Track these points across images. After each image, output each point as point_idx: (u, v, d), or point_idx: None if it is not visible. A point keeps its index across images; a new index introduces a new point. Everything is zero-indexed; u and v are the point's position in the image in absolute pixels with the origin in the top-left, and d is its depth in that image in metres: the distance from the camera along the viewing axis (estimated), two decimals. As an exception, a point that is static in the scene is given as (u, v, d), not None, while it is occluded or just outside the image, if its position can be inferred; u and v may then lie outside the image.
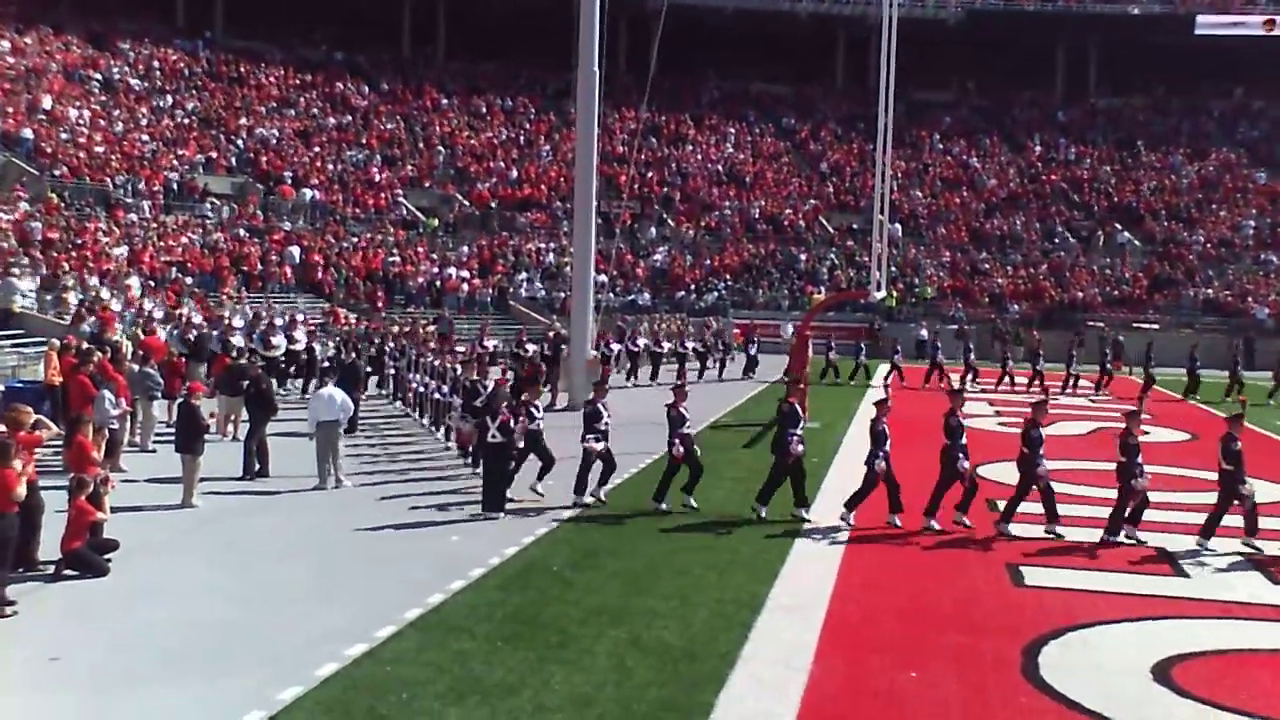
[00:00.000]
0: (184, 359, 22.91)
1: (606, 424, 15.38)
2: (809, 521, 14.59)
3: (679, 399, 15.46)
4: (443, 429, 20.41)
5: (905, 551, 13.51)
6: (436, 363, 21.33)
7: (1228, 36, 58.84)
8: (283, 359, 27.06)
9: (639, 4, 52.20)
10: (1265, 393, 32.05)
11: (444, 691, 8.59)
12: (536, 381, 18.42)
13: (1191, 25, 59.05)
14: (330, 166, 49.41)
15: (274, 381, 23.06)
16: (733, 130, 60.78)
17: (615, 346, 32.71)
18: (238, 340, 25.56)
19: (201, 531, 13.63)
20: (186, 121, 48.12)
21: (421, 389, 22.42)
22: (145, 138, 44.74)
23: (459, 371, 19.10)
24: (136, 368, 19.29)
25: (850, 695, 8.99)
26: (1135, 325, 45.06)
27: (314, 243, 42.34)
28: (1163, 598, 11.93)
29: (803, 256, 51.22)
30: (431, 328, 32.34)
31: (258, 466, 16.78)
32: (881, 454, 14.47)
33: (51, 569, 11.38)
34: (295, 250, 40.71)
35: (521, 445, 15.48)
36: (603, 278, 35.97)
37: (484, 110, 58.23)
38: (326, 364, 25.40)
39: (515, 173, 53.39)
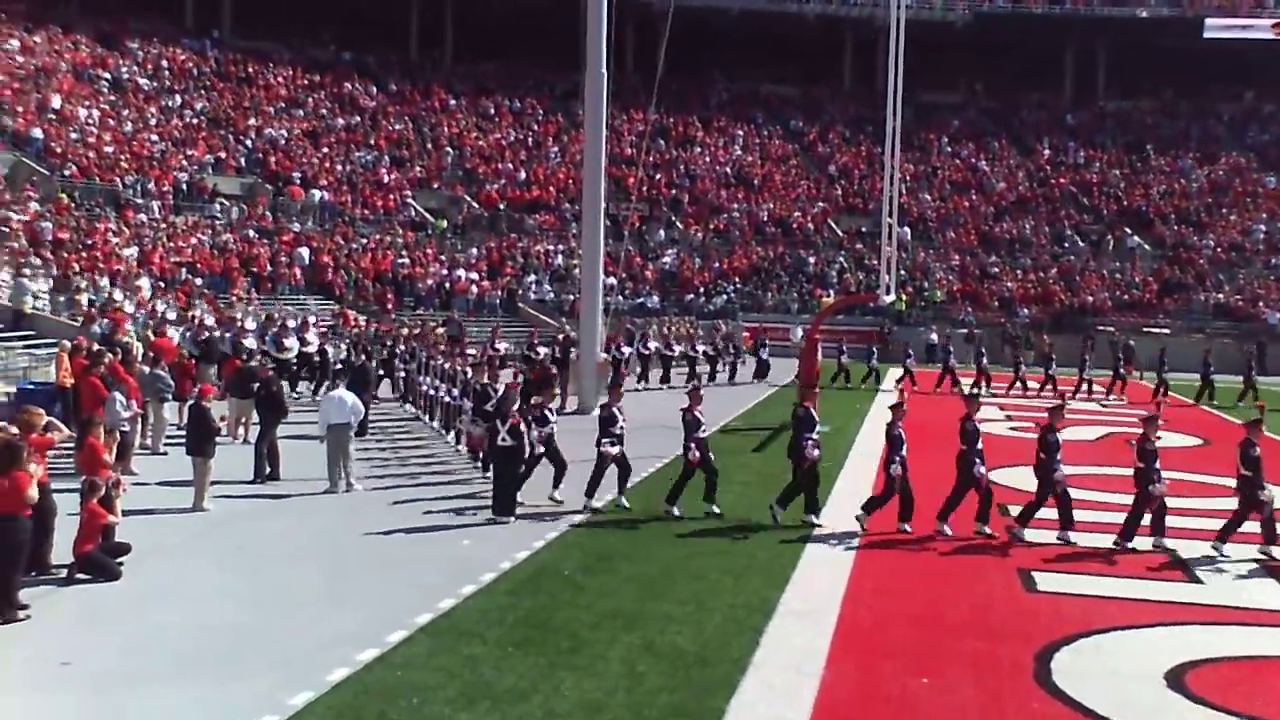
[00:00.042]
0: (194, 361, 22.95)
1: (622, 428, 15.36)
2: (820, 527, 14.56)
3: (694, 403, 15.43)
4: (453, 432, 20.41)
5: (917, 556, 13.47)
6: (447, 365, 21.32)
7: (1237, 40, 58.68)
8: (294, 361, 27.11)
9: (646, 5, 52.17)
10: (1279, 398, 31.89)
11: (454, 697, 8.58)
12: (549, 384, 18.41)
13: (1200, 28, 58.94)
14: (339, 167, 49.48)
15: (285, 384, 23.10)
16: (741, 132, 60.78)
17: (626, 350, 32.69)
18: (250, 342, 25.63)
19: (213, 535, 13.65)
20: (195, 121, 48.22)
21: (432, 392, 22.41)
22: (154, 138, 44.82)
23: (469, 374, 19.10)
24: (147, 370, 19.34)
25: (862, 701, 8.96)
26: (1145, 330, 44.94)
27: (323, 244, 42.40)
28: (1176, 604, 11.89)
29: (811, 259, 51.18)
30: (441, 330, 32.34)
31: (268, 469, 16.80)
32: (898, 458, 14.44)
33: (64, 572, 11.41)
34: (304, 251, 40.79)
35: (542, 449, 15.45)
36: (611, 280, 35.97)
37: (492, 111, 58.28)
38: (339, 366, 25.45)
39: (524, 174, 53.43)
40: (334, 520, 14.46)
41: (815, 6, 62.19)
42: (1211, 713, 8.91)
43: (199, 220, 40.53)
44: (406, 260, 43.60)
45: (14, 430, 11.46)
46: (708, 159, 58.25)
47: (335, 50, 58.45)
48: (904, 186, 47.83)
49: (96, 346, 20.28)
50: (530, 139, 57.01)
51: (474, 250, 47.10)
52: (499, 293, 44.16)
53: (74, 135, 41.54)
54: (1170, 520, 14.56)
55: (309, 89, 54.80)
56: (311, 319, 30.50)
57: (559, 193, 52.35)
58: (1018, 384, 33.24)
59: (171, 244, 36.66)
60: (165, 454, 18.47)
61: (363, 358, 25.66)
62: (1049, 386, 32.67)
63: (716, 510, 14.99)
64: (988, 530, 14.28)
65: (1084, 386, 32.75)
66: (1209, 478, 18.65)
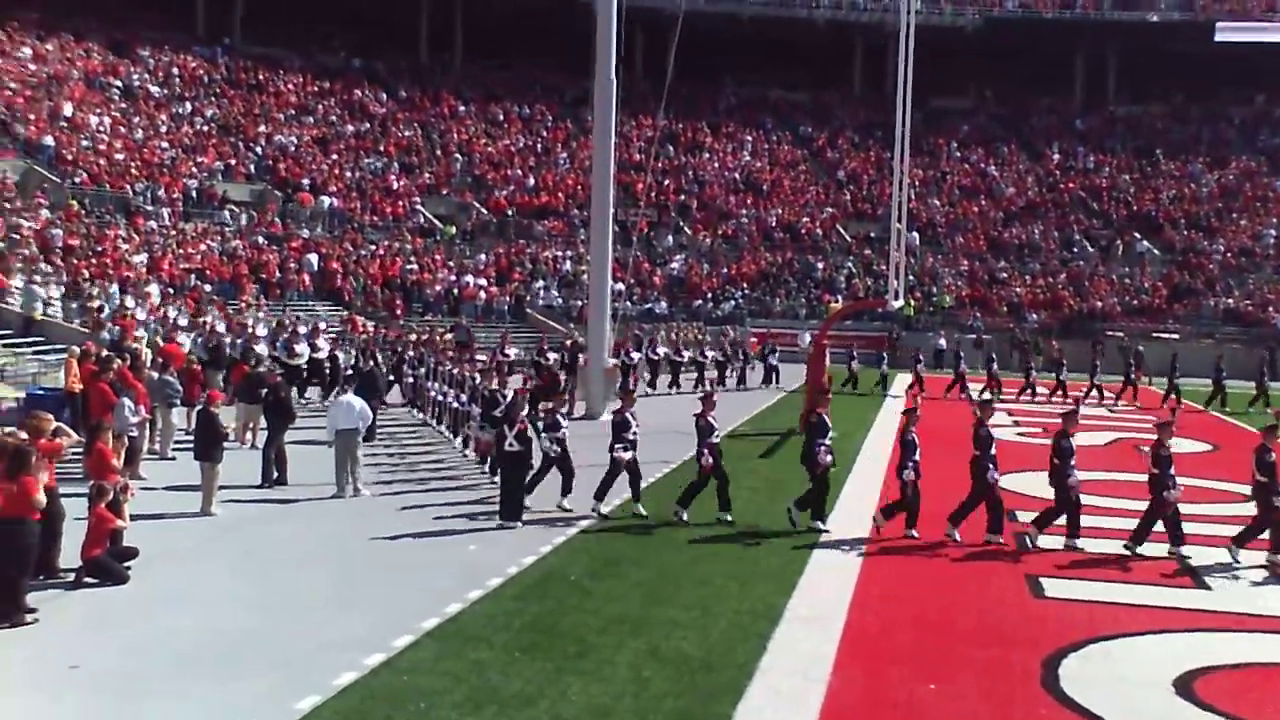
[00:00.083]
0: (202, 367, 23.01)
1: (635, 433, 15.35)
2: (827, 533, 14.54)
3: (707, 408, 15.42)
4: (460, 438, 20.43)
5: (924, 562, 13.44)
6: (455, 371, 21.34)
7: (1248, 44, 58.52)
8: (305, 367, 27.18)
9: (656, 11, 52.26)
10: None
11: (461, 701, 8.59)
12: (557, 389, 18.42)
13: (1211, 33, 58.77)
14: (348, 174, 49.60)
15: (294, 390, 23.14)
16: (750, 138, 60.78)
17: (635, 355, 32.70)
18: (262, 348, 25.71)
19: (220, 539, 13.67)
20: (205, 129, 48.37)
21: (440, 398, 22.43)
22: (165, 145, 45.01)
23: (478, 380, 19.12)
24: (156, 375, 19.38)
25: (869, 707, 8.94)
26: (1155, 335, 44.83)
27: (332, 250, 42.50)
28: (1185, 610, 11.85)
29: (820, 265, 51.14)
30: (449, 336, 32.40)
31: (276, 474, 16.83)
32: (911, 463, 14.42)
33: (72, 576, 11.44)
34: (314, 258, 40.90)
35: (558, 452, 15.44)
36: (620, 286, 35.97)
37: (501, 118, 58.37)
38: (349, 372, 25.50)
39: (532, 180, 53.49)
40: (341, 525, 14.47)
41: (825, 12, 62.18)
42: None
43: (208, 227, 40.66)
44: (415, 266, 43.69)
45: (23, 435, 11.50)
46: (716, 164, 58.27)
47: (345, 57, 58.61)
48: (913, 192, 47.75)
49: (105, 352, 20.33)
50: (539, 145, 57.10)
51: (483, 256, 47.17)
52: (507, 298, 44.23)
53: (85, 142, 41.73)
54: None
55: (319, 96, 54.95)
56: (322, 325, 30.57)
57: (568, 199, 52.42)
58: (1028, 390, 33.14)
59: (181, 250, 36.79)
60: (173, 459, 18.52)
61: (371, 363, 25.68)
62: (1060, 393, 32.58)
63: (729, 518, 14.96)
64: (1000, 539, 14.23)
65: (1096, 393, 32.64)
66: (1218, 483, 18.58)
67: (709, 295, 48.31)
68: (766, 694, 9.00)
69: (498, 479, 15.72)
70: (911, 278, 44.79)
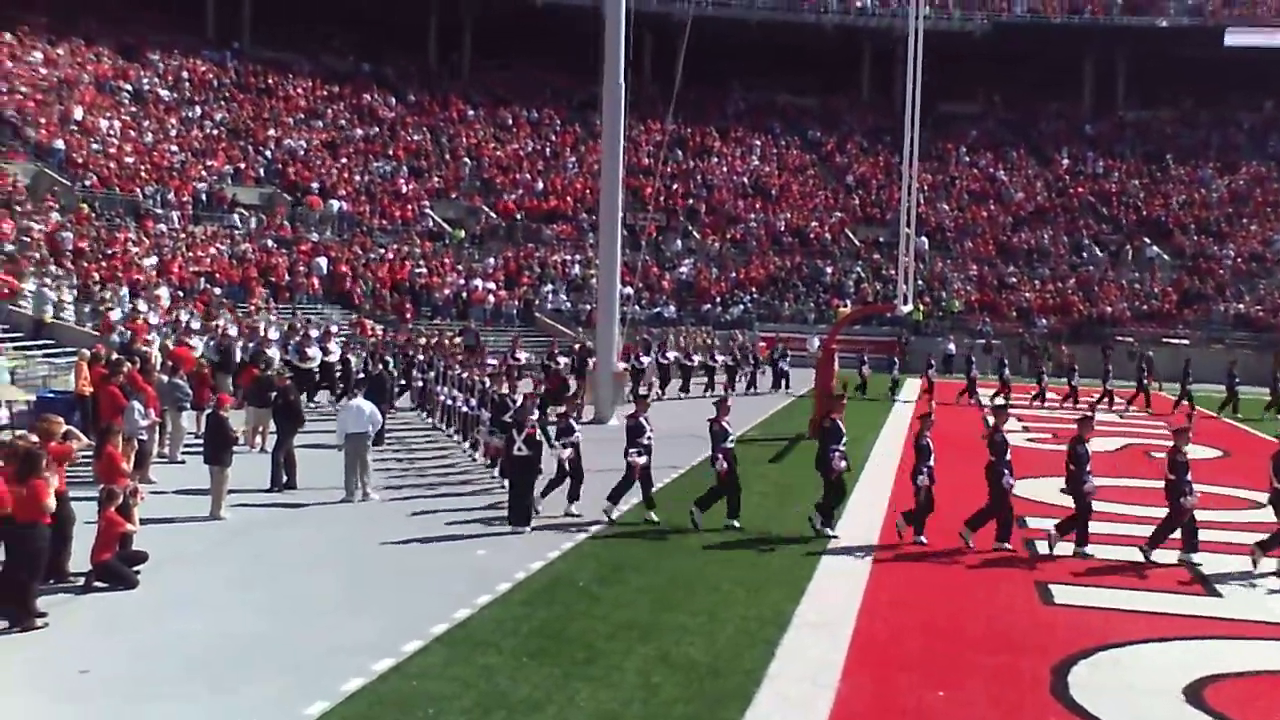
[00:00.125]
0: (212, 370, 23.06)
1: (649, 438, 15.35)
2: (836, 539, 14.52)
3: (721, 414, 15.39)
4: (469, 441, 20.44)
5: (933, 568, 13.42)
6: (465, 375, 21.35)
7: (1258, 49, 58.37)
8: (317, 371, 27.26)
9: (665, 16, 52.35)
10: None
11: (470, 707, 8.59)
12: (565, 393, 18.41)
13: (1220, 38, 58.63)
14: (357, 178, 49.65)
15: (304, 393, 23.20)
16: (758, 142, 60.77)
17: (645, 359, 32.73)
18: (274, 352, 25.78)
19: (230, 543, 13.69)
20: (215, 132, 48.46)
21: (450, 402, 22.44)
22: (174, 148, 45.09)
23: (488, 384, 19.13)
24: (166, 379, 19.42)
25: (877, 714, 8.94)
26: (1164, 340, 44.74)
27: (341, 254, 42.56)
28: (1195, 617, 11.82)
29: (828, 269, 51.09)
30: (458, 340, 32.43)
31: (285, 478, 16.85)
32: (926, 469, 14.40)
33: (81, 580, 11.46)
34: (323, 261, 40.96)
35: (573, 457, 15.43)
36: (628, 290, 35.99)
37: (510, 122, 58.41)
38: (360, 376, 25.58)
39: (541, 184, 53.52)
40: (350, 529, 14.49)
41: (833, 17, 62.16)
42: (1230, 727, 8.87)
43: (218, 230, 40.74)
44: (424, 270, 43.73)
45: (33, 439, 11.53)
46: (725, 169, 58.25)
47: (354, 61, 58.70)
48: (922, 196, 47.72)
49: (115, 355, 20.38)
50: (548, 149, 57.13)
51: (491, 260, 47.20)
52: (516, 302, 44.25)
53: (95, 146, 41.84)
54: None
55: (328, 100, 55.04)
56: (333, 329, 30.65)
57: (576, 203, 52.44)
58: (1041, 396, 33.06)
59: (190, 254, 36.85)
60: (183, 463, 18.56)
61: (380, 367, 25.73)
62: (1072, 399, 32.52)
63: (737, 525, 14.95)
64: (1008, 546, 14.21)
65: (1106, 399, 32.56)
66: (1230, 489, 18.52)
67: (717, 300, 48.29)
68: (775, 700, 8.99)
69: (507, 484, 15.73)
70: (920, 282, 44.73)
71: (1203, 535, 14.25)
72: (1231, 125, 62.03)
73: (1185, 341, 44.40)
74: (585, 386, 27.44)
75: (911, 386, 36.27)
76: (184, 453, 18.99)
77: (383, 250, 44.52)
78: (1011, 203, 57.11)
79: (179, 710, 8.54)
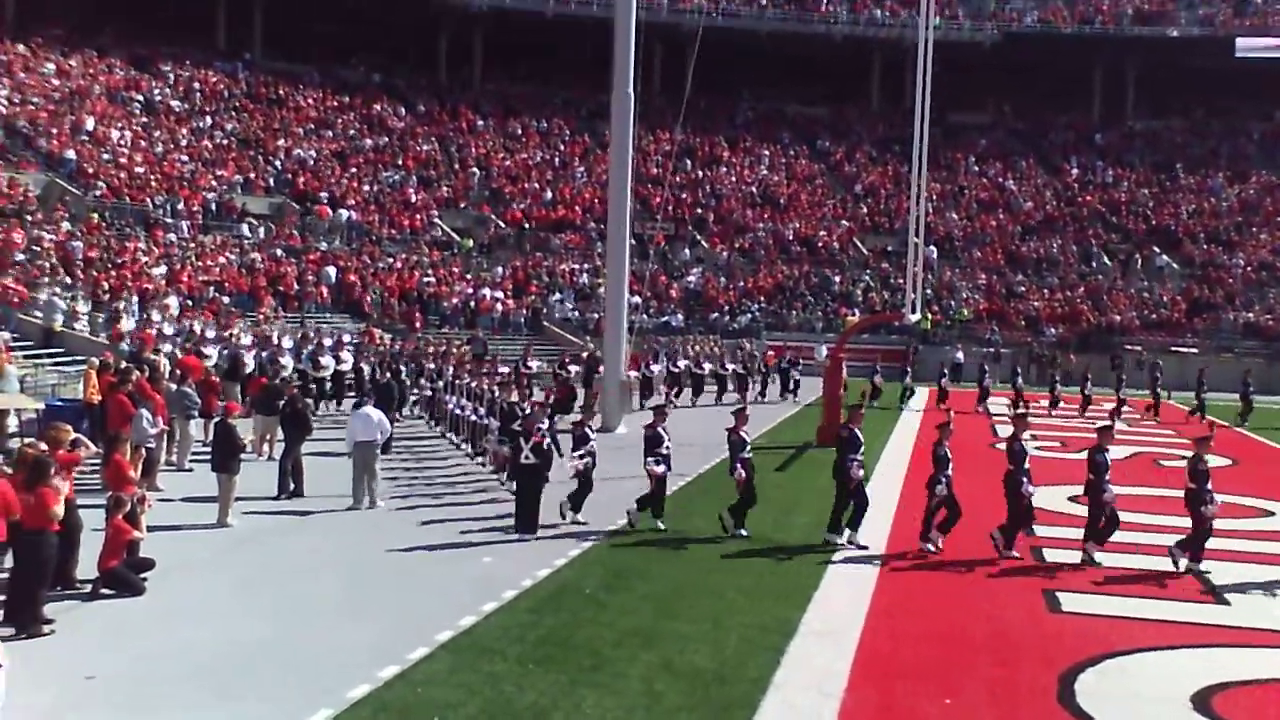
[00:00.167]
0: (220, 378, 23.14)
1: (668, 448, 15.35)
2: (842, 547, 14.49)
3: (740, 423, 15.39)
4: (477, 450, 20.43)
5: (939, 577, 13.39)
6: (473, 384, 21.35)
7: (1268, 59, 58.24)
8: (329, 379, 27.37)
9: (674, 26, 52.52)
10: None
11: (475, 714, 8.60)
12: (573, 401, 18.41)
13: (1231, 48, 58.49)
14: (367, 187, 49.77)
15: (311, 401, 23.24)
16: (767, 152, 60.77)
17: (655, 368, 32.77)
18: (287, 360, 25.88)
19: (237, 551, 13.71)
20: (225, 142, 48.64)
21: (459, 411, 22.45)
22: (185, 158, 45.26)
23: (496, 393, 19.13)
24: (174, 387, 19.47)
25: (884, 722, 8.92)
26: (1173, 349, 44.64)
27: (350, 263, 42.66)
28: (1203, 625, 11.76)
29: (837, 279, 51.05)
30: (466, 348, 32.48)
31: (292, 486, 16.88)
32: (944, 478, 14.37)
33: (89, 588, 11.49)
34: (331, 270, 41.05)
35: (592, 465, 15.42)
36: (636, 299, 36.03)
37: (519, 132, 58.54)
38: (369, 384, 25.64)
39: (550, 194, 53.59)
40: (357, 537, 14.50)
41: (843, 27, 62.17)
42: (1238, 736, 8.83)
43: (227, 239, 40.87)
44: (433, 279, 43.80)
45: (42, 446, 11.57)
46: (734, 178, 58.27)
47: (365, 72, 58.89)
48: (931, 206, 47.63)
49: (124, 364, 20.45)
50: (557, 159, 57.23)
51: (500, 269, 47.26)
52: (524, 311, 44.30)
53: (106, 156, 42.02)
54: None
55: (338, 110, 55.23)
56: (345, 338, 30.74)
57: (584, 212, 52.48)
58: (1055, 404, 32.98)
59: (200, 263, 36.97)
60: (191, 470, 18.60)
61: (388, 375, 25.79)
62: (1087, 408, 32.46)
63: (745, 533, 14.94)
64: (1015, 554, 14.17)
65: (1119, 407, 32.46)
66: (1241, 498, 18.44)
67: (725, 308, 48.28)
68: (781, 708, 8.97)
69: (515, 487, 15.73)
70: (929, 291, 44.68)
71: (1212, 544, 14.18)
72: (1242, 135, 61.91)
73: (1194, 351, 44.31)
74: (595, 395, 27.45)
75: (922, 396, 36.21)
76: (192, 460, 19.04)
77: (391, 259, 44.61)
78: (1020, 212, 57.04)
79: (185, 717, 8.55)
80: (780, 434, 26.87)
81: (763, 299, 49.45)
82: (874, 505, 15.23)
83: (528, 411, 16.39)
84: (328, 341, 28.91)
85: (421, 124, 56.83)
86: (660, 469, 15.19)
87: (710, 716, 8.74)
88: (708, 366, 35.15)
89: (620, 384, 26.43)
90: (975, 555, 14.11)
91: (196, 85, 51.53)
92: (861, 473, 14.82)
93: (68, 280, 30.68)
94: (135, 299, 30.77)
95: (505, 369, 27.15)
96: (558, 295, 46.31)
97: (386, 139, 54.45)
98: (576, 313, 45.40)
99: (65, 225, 34.91)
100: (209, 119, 49.66)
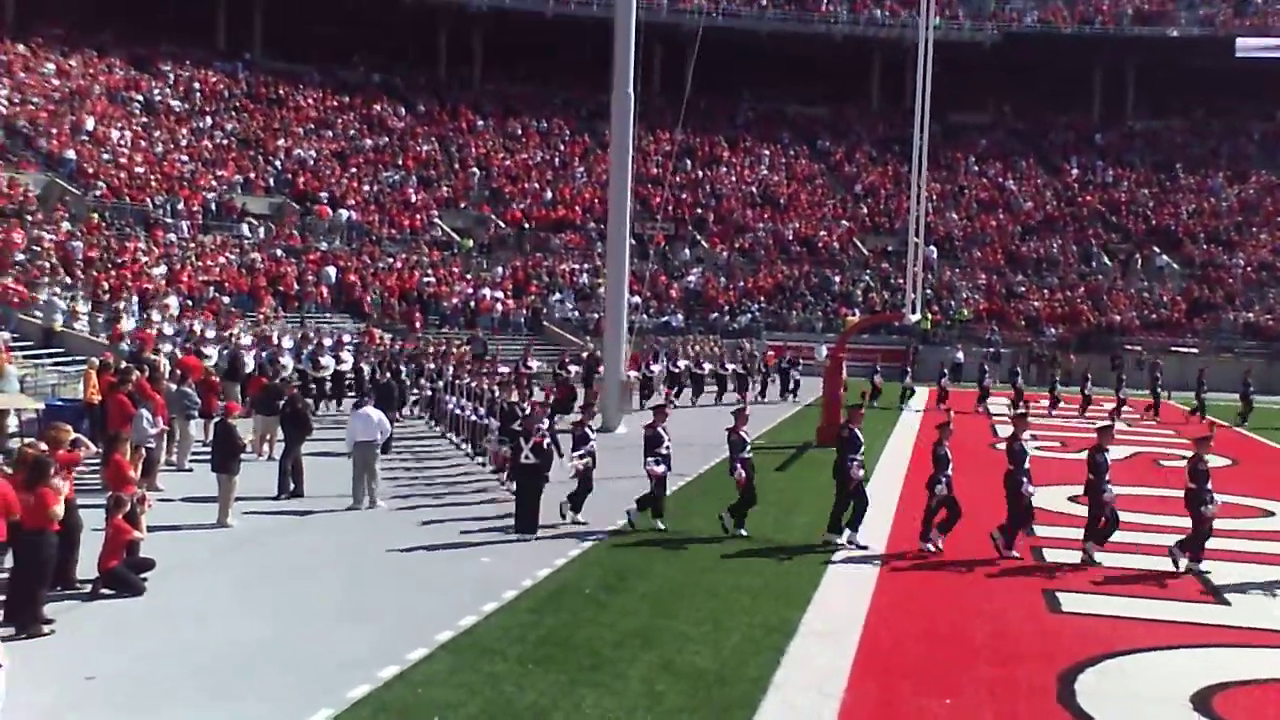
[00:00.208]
0: (220, 378, 23.14)
1: (668, 448, 15.35)
2: (842, 547, 14.50)
3: (740, 423, 15.40)
4: (477, 450, 20.43)
5: (940, 577, 13.39)
6: (473, 385, 21.35)
7: (1268, 59, 58.23)
8: (329, 380, 27.38)
9: (674, 26, 52.52)
10: None
11: (475, 714, 8.60)
12: (573, 401, 18.41)
13: (1231, 48, 58.48)
14: (367, 187, 49.77)
15: (310, 401, 23.24)
16: (767, 152, 60.75)
17: (655, 368, 32.78)
18: (287, 360, 25.88)
19: (237, 551, 13.71)
20: (225, 142, 48.64)
21: (458, 411, 22.45)
22: (185, 158, 45.27)
23: (496, 393, 19.13)
24: (174, 387, 19.47)
25: (884, 722, 8.92)
26: (1173, 349, 44.64)
27: (350, 263, 42.66)
28: (1203, 625, 11.76)
29: (837, 279, 51.04)
30: (465, 348, 32.49)
31: (292, 486, 16.88)
32: (944, 478, 14.36)
33: (89, 587, 11.49)
34: (332, 270, 41.05)
35: (592, 466, 15.41)
36: (636, 299, 36.03)
37: (519, 132, 58.53)
38: (370, 384, 25.64)
39: (550, 194, 53.59)
40: (357, 537, 14.50)
41: (843, 27, 62.14)
42: (1238, 736, 8.83)
43: (227, 239, 40.87)
44: (432, 279, 43.80)
45: (42, 446, 11.57)
46: (734, 178, 58.25)
47: (365, 72, 58.88)
48: (931, 206, 47.60)
49: (124, 364, 20.45)
50: (557, 159, 57.22)
51: (500, 269, 47.26)
52: (524, 311, 44.30)
53: (106, 156, 42.01)
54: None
55: (338, 110, 55.22)
56: (346, 338, 30.76)
57: (585, 212, 52.46)
58: (1055, 404, 32.98)
59: (200, 263, 36.96)
60: (190, 470, 18.60)
61: (388, 375, 25.79)
62: (1086, 408, 32.46)
63: (744, 533, 14.95)
64: (1015, 554, 14.17)
65: (1120, 407, 32.46)
66: (1240, 498, 18.43)
67: (725, 308, 48.27)
68: (781, 708, 8.97)
69: (514, 487, 15.73)
70: (929, 291, 44.67)
71: (1212, 544, 14.18)
72: (1242, 135, 61.88)
73: (1194, 351, 44.31)
74: (596, 395, 27.45)
75: (922, 396, 36.21)
76: (192, 460, 19.04)
77: (391, 259, 44.61)
78: (1020, 212, 57.02)
79: (185, 717, 8.55)
80: (780, 434, 26.87)
81: (763, 299, 49.44)
82: (874, 505, 15.23)
83: (528, 412, 16.39)
84: (328, 341, 28.93)
85: (421, 124, 56.83)
86: (660, 469, 15.19)
87: (711, 717, 8.74)
88: (708, 367, 35.15)
89: (620, 384, 26.43)
90: (975, 555, 14.11)
91: (196, 85, 51.54)
92: (862, 473, 14.82)
93: (68, 280, 30.67)
94: (135, 299, 30.77)
95: (505, 369, 27.18)
96: (558, 295, 46.32)
97: (386, 139, 54.45)
98: (576, 313, 45.39)
99: (65, 225, 34.90)
100: (209, 119, 49.67)
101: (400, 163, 52.77)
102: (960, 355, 43.07)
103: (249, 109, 52.10)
